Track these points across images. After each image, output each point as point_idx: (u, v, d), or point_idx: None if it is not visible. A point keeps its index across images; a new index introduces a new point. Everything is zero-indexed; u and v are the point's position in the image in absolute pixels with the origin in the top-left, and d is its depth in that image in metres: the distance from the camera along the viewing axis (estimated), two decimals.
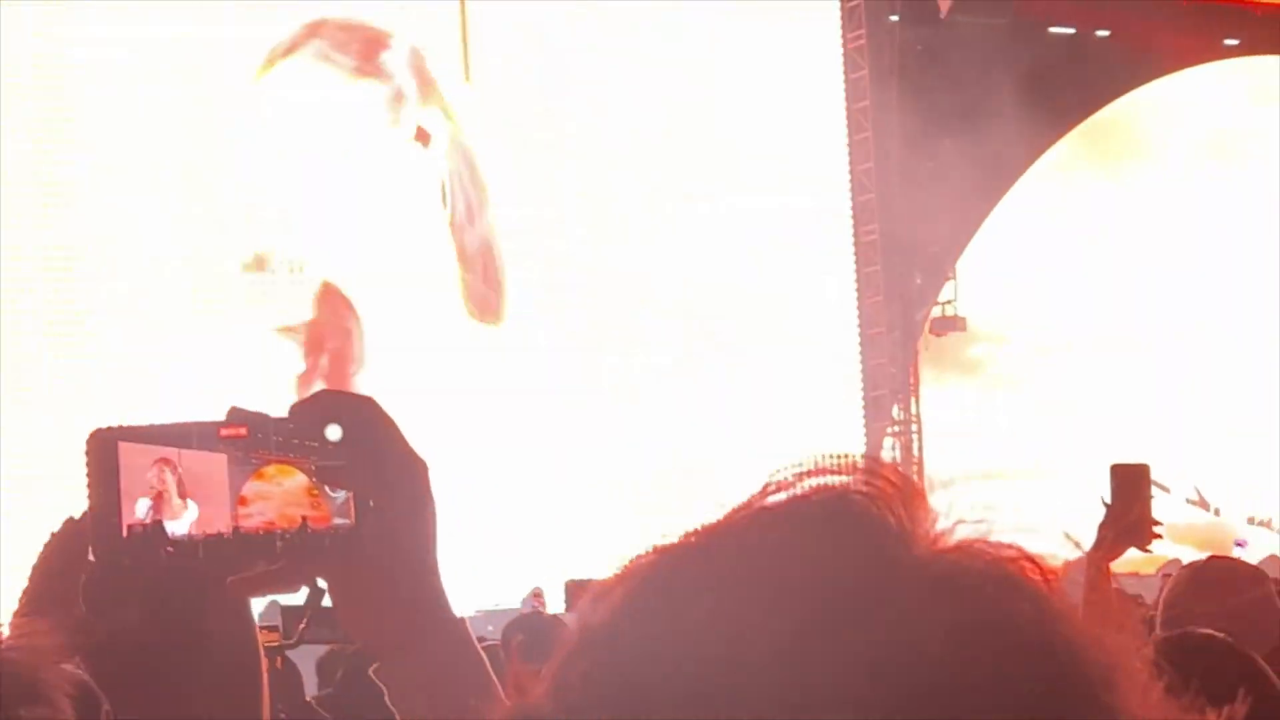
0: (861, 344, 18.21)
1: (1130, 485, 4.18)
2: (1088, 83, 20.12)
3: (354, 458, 1.43)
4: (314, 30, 15.84)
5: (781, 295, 17.65)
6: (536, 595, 13.42)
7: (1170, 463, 20.35)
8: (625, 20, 17.28)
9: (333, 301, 15.60)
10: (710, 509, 0.81)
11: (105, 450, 1.41)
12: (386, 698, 1.47)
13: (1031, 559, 0.79)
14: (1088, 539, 4.10)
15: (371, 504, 1.44)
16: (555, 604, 13.11)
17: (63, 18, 15.14)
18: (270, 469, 1.42)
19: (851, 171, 18.27)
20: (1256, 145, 21.42)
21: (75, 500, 1.58)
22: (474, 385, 15.72)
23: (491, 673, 1.45)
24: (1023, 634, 0.75)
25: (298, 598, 1.50)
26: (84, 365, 14.86)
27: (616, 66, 17.23)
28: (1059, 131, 20.29)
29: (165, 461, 1.42)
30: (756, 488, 0.81)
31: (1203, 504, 20.42)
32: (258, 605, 2.44)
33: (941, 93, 17.75)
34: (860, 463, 0.81)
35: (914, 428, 19.01)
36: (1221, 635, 2.96)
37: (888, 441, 18.74)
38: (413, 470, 1.47)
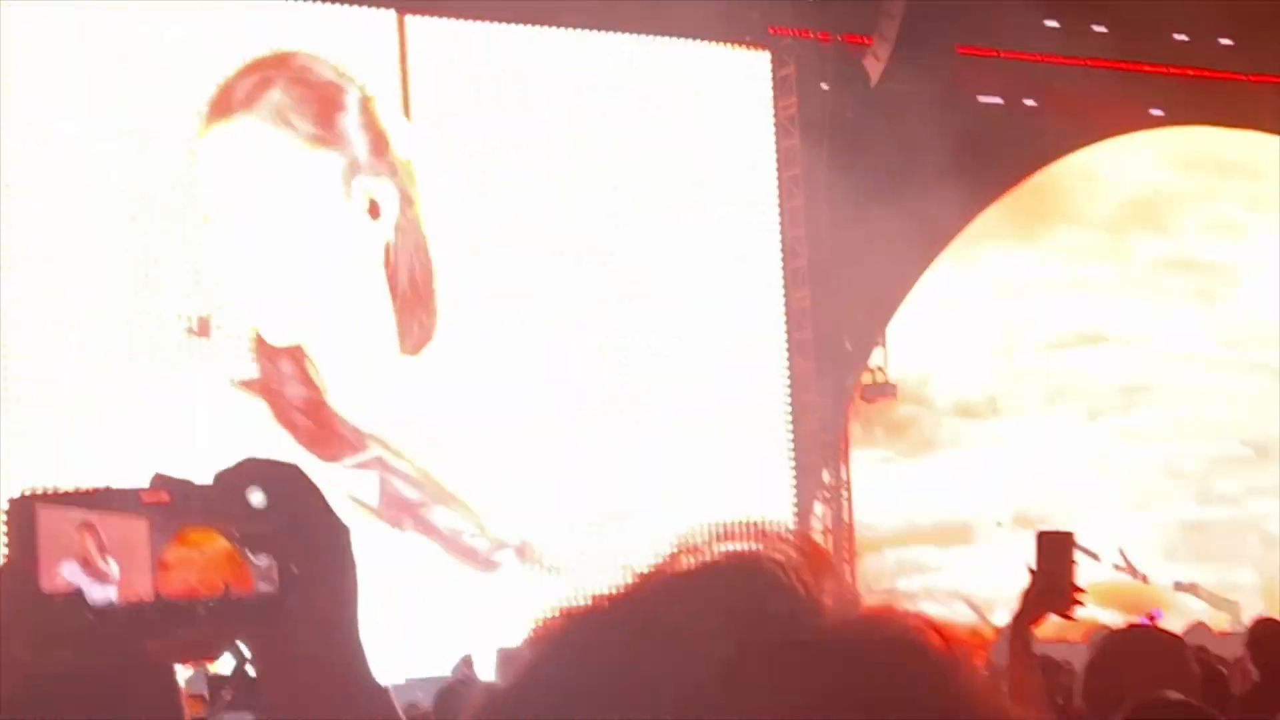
0: (792, 409, 18.25)
1: (1054, 552, 4.22)
2: (1017, 150, 20.32)
3: (277, 523, 1.43)
4: (267, 80, 15.45)
5: (712, 361, 17.69)
6: (467, 663, 13.32)
7: (1098, 528, 20.49)
8: (561, 73, 17.37)
9: (275, 356, 15.39)
10: (623, 572, 0.81)
11: (23, 515, 1.40)
12: None
13: (938, 629, 0.79)
14: (1013, 604, 4.14)
15: (295, 570, 1.44)
16: (487, 672, 13.02)
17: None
18: (193, 534, 1.42)
19: (783, 238, 18.35)
20: (1178, 211, 21.69)
21: None
22: (410, 432, 15.62)
23: None
24: (924, 708, 0.76)
25: (225, 667, 1.50)
26: (14, 430, 14.66)
27: (549, 122, 17.30)
28: (988, 198, 20.46)
29: (87, 526, 1.41)
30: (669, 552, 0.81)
31: (1130, 570, 20.51)
32: (185, 675, 2.43)
33: (872, 160, 17.88)
34: (770, 529, 0.81)
35: (844, 493, 19.04)
36: (1190, 700, 2.99)
37: (818, 507, 18.76)
38: (335, 536, 1.47)
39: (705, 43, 18.14)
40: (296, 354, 15.41)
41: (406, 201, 16.07)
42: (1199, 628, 19.05)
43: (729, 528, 0.82)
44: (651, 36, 17.86)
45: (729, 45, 18.39)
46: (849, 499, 19.02)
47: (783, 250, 18.35)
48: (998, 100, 20.33)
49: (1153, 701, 3.02)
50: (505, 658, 11.11)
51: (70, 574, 1.41)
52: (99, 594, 1.41)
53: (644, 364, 17.43)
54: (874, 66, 19.08)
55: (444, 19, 16.91)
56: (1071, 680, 7.66)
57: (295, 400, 15.26)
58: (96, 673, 2.04)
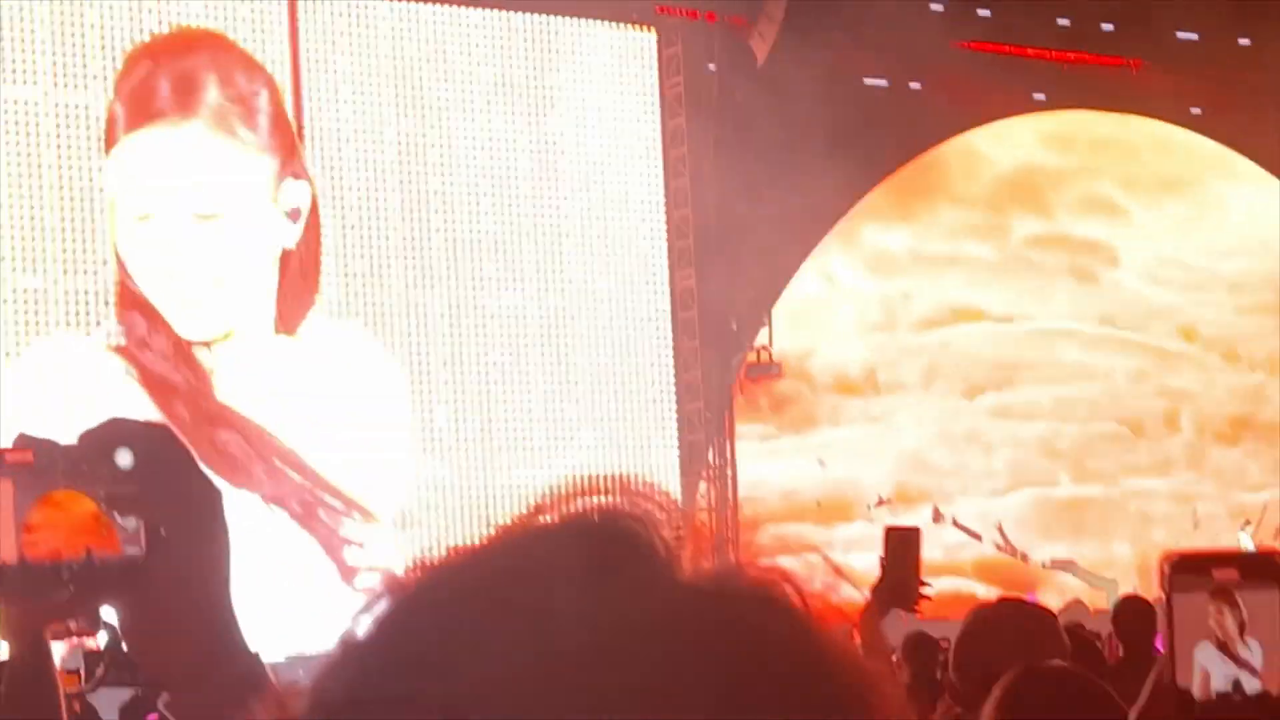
0: (677, 389, 18.30)
1: (901, 548, 4.33)
2: (901, 132, 20.46)
3: (145, 485, 1.41)
4: (194, 75, 14.03)
5: (597, 340, 17.71)
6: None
7: (976, 506, 20.71)
8: (447, 50, 17.27)
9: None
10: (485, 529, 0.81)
11: None
12: None
13: (792, 579, 0.80)
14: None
15: (163, 532, 1.42)
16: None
17: None
18: (58, 496, 1.40)
19: (669, 217, 18.38)
20: (1055, 191, 21.94)
21: None
22: (289, 408, 15.43)
23: None
24: (781, 661, 0.76)
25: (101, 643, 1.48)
26: None
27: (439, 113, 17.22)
28: (873, 179, 20.59)
29: None
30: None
31: (1009, 549, 20.76)
32: (60, 651, 2.40)
33: (759, 140, 17.95)
34: (628, 485, 0.82)
35: (729, 472, 19.12)
36: (1072, 667, 3.03)
37: (702, 486, 18.83)
38: (206, 498, 1.45)
39: (591, 21, 18.13)
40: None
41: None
42: (1076, 605, 19.35)
43: (594, 483, 0.82)
44: (538, 15, 17.82)
45: (615, 24, 18.38)
46: (734, 477, 19.11)
47: (668, 230, 18.38)
48: (883, 82, 20.46)
49: (1038, 669, 3.06)
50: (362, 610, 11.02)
51: None
52: None
53: (528, 343, 17.42)
54: (760, 47, 19.15)
55: None
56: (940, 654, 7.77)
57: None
58: None
